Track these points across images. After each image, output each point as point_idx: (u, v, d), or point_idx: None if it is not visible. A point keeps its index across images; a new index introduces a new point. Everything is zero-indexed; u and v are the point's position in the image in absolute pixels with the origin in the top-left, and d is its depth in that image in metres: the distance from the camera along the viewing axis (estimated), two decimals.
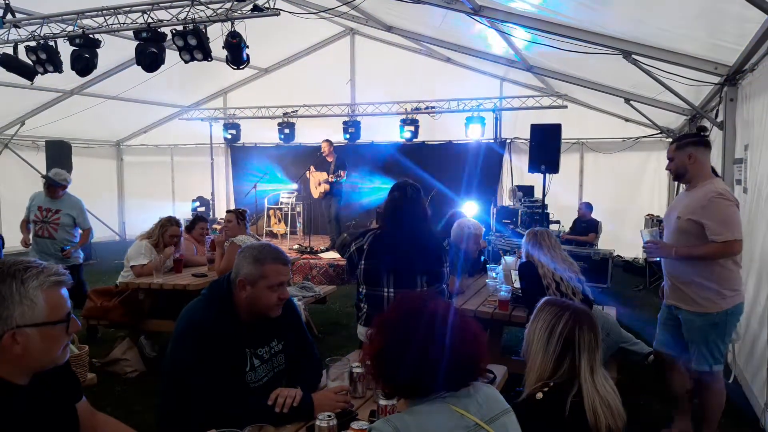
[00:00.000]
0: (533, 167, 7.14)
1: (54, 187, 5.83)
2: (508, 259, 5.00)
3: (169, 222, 5.53)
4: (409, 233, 3.28)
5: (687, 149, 3.43)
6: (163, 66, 6.36)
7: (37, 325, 1.54)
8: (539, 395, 1.96)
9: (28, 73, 6.78)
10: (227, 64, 6.24)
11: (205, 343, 2.21)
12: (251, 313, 2.36)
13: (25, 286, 1.53)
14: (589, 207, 9.66)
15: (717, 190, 3.32)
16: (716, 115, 5.65)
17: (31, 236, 5.97)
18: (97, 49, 6.56)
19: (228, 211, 5.63)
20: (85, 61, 6.48)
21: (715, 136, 5.56)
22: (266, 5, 5.72)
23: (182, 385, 2.23)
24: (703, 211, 3.31)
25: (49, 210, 5.86)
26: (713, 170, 3.86)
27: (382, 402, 2.06)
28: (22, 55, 6.67)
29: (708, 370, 3.42)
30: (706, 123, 6.21)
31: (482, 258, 5.76)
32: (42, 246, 5.85)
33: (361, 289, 3.39)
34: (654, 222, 9.00)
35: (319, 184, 9.97)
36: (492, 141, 10.86)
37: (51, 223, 5.83)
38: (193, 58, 6.15)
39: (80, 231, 6.07)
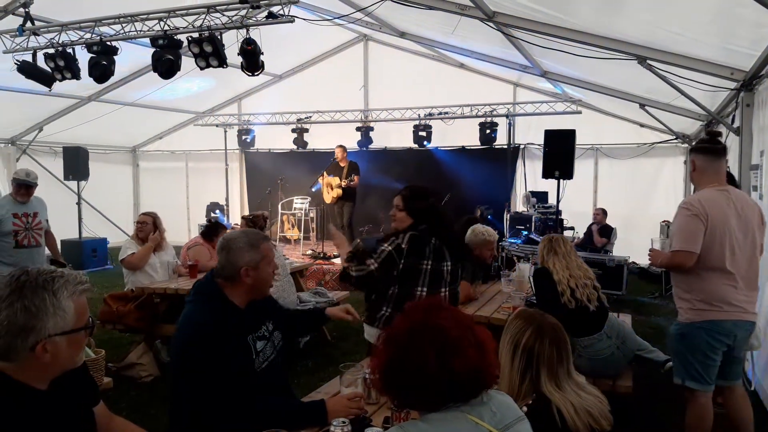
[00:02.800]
0: (547, 173, 7.11)
1: (30, 188, 5.30)
2: (522, 266, 4.99)
3: (139, 215, 5.67)
4: (441, 233, 3.37)
5: (690, 156, 3.38)
6: (179, 72, 6.44)
7: (66, 333, 1.58)
8: (524, 409, 1.94)
9: (46, 80, 6.88)
10: (242, 70, 6.29)
11: (218, 345, 2.23)
12: (251, 297, 2.45)
13: (57, 296, 1.56)
14: (604, 213, 9.60)
15: (685, 200, 3.27)
16: (732, 121, 5.60)
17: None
18: (115, 56, 6.65)
19: (242, 217, 5.71)
20: (102, 68, 6.57)
21: (732, 141, 5.51)
22: (281, 12, 5.77)
23: (200, 391, 2.23)
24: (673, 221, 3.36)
25: (27, 215, 5.31)
26: (731, 178, 3.76)
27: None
28: (41, 63, 6.78)
29: (680, 383, 3.31)
30: (723, 128, 6.16)
31: (496, 264, 5.74)
32: (26, 257, 5.25)
33: (391, 291, 3.31)
34: (670, 229, 8.90)
35: (332, 189, 10.00)
36: (505, 146, 10.83)
37: (34, 229, 5.37)
38: (208, 65, 6.22)
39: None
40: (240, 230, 2.56)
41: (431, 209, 3.43)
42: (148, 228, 5.52)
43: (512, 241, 9.03)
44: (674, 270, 3.27)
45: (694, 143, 3.56)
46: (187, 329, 2.33)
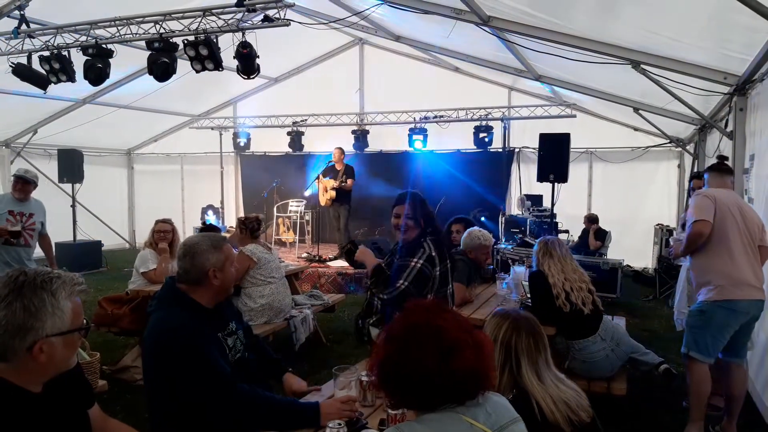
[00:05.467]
0: (542, 177, 7.13)
1: (27, 184, 5.29)
2: (517, 269, 5.00)
3: (156, 221, 5.54)
4: (442, 235, 3.54)
5: (705, 174, 4.07)
6: (174, 75, 6.43)
7: (62, 333, 1.58)
8: None
9: (41, 82, 6.86)
10: (238, 73, 6.29)
11: (197, 344, 2.25)
12: (219, 298, 2.48)
13: (56, 297, 1.57)
14: (590, 221, 9.60)
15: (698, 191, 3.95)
16: (726, 125, 5.64)
17: None
18: (110, 59, 6.64)
19: (237, 219, 5.67)
20: (97, 71, 6.56)
21: (725, 145, 5.56)
22: (277, 16, 5.78)
23: (190, 392, 2.24)
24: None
25: (23, 214, 5.29)
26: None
27: (392, 411, 2.07)
28: (36, 65, 6.76)
29: (685, 352, 3.77)
30: (716, 133, 6.20)
31: (491, 267, 5.75)
32: (14, 255, 5.22)
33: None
34: (664, 232, 8.96)
35: (326, 191, 10.00)
36: (500, 150, 10.86)
37: (27, 229, 5.31)
38: (204, 68, 6.21)
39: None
40: (198, 235, 2.57)
41: (432, 213, 3.57)
42: (170, 237, 5.39)
43: (506, 245, 9.04)
44: (695, 242, 3.68)
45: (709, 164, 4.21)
46: (161, 336, 2.31)
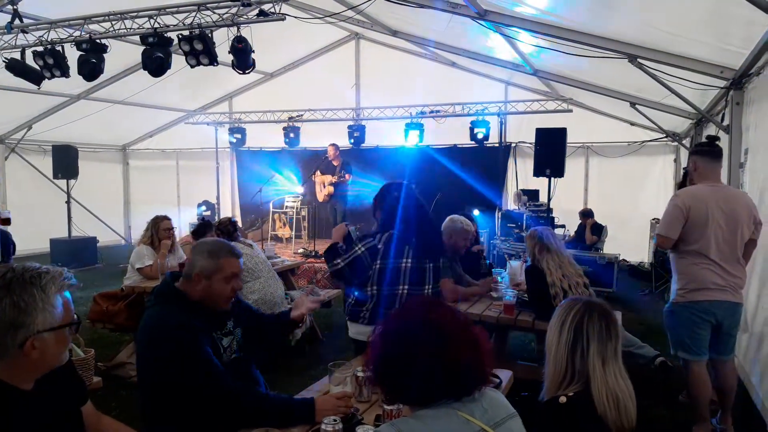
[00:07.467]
0: (538, 171, 7.13)
1: None
2: (514, 264, 4.99)
3: (158, 218, 5.57)
4: (419, 232, 3.42)
5: (692, 158, 3.79)
6: (169, 70, 6.40)
7: (54, 329, 1.57)
8: (562, 399, 1.91)
9: (35, 77, 6.82)
10: (233, 68, 6.26)
11: (191, 340, 2.24)
12: (205, 304, 2.44)
13: (46, 292, 1.55)
14: (584, 215, 9.61)
15: (676, 191, 3.79)
16: (722, 119, 5.63)
17: None
18: (104, 54, 6.59)
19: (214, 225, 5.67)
20: (91, 66, 6.51)
21: (721, 140, 5.55)
22: (272, 10, 5.75)
23: (184, 388, 2.23)
24: None
25: None
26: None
27: (388, 406, 2.06)
28: (30, 60, 6.72)
29: (672, 353, 3.84)
30: (713, 127, 6.19)
31: (487, 262, 5.73)
32: None
33: (368, 290, 3.40)
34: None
35: (324, 187, 9.99)
36: (497, 145, 10.84)
37: None
38: (199, 63, 6.19)
39: None
40: (215, 239, 2.56)
41: (403, 206, 3.61)
42: (174, 232, 5.55)
43: (503, 240, 9.04)
44: (662, 248, 3.79)
45: (695, 146, 3.99)
46: (155, 332, 2.31)
